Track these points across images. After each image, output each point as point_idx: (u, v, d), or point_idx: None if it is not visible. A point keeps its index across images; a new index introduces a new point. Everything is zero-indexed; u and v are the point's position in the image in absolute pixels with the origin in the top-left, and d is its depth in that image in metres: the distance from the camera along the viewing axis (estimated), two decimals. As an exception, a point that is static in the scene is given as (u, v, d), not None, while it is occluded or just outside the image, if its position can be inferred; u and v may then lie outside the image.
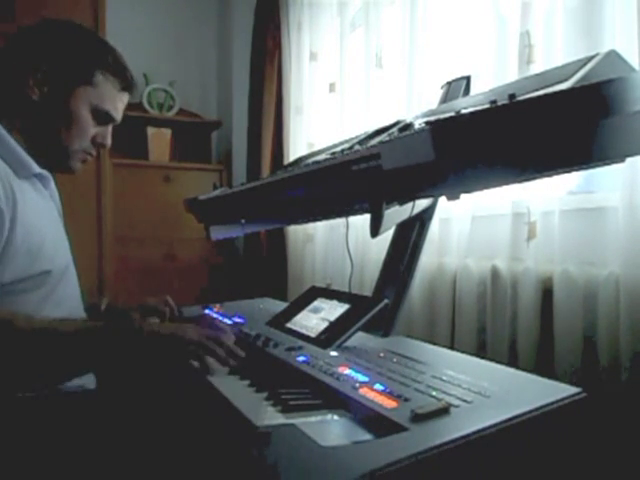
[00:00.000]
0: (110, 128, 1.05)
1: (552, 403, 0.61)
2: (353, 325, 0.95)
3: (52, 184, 1.05)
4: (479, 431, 0.54)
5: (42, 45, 0.95)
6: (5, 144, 0.92)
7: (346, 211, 1.19)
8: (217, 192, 1.36)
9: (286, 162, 2.13)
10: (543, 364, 1.11)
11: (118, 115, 1.04)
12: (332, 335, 0.94)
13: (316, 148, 1.85)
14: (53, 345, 0.81)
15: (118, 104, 1.03)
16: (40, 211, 0.96)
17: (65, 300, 0.98)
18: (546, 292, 1.14)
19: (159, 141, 2.61)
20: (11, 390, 0.83)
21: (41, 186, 1.01)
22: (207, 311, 1.37)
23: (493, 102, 0.59)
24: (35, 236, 0.89)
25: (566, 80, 0.63)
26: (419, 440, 0.53)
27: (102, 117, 1.01)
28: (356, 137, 1.10)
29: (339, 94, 1.91)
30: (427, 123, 0.61)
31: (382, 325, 1.00)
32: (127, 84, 1.03)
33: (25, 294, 0.88)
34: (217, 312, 1.34)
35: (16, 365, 0.80)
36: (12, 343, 0.79)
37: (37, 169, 0.97)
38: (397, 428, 0.56)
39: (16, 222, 0.86)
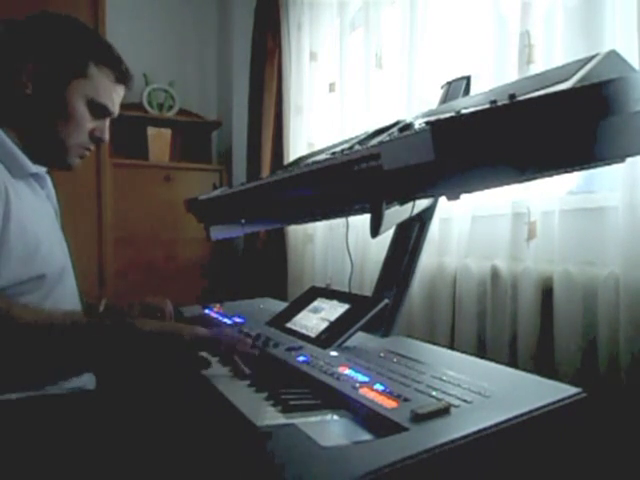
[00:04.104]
0: (108, 122, 1.03)
1: (552, 403, 0.61)
2: (353, 325, 0.95)
3: (49, 183, 1.04)
4: (479, 431, 0.54)
5: (33, 39, 0.93)
6: (0, 142, 0.90)
7: (346, 211, 1.18)
8: (217, 192, 1.36)
9: (286, 162, 2.13)
10: (543, 364, 1.11)
11: (115, 108, 1.02)
12: (332, 335, 0.94)
13: (316, 148, 1.85)
14: (50, 338, 0.76)
15: (114, 97, 1.01)
16: (36, 212, 0.94)
17: (63, 302, 0.96)
18: (546, 292, 1.14)
19: (159, 141, 2.61)
20: (7, 387, 0.81)
21: (37, 186, 0.99)
22: (207, 311, 1.37)
23: (493, 102, 0.59)
24: (31, 237, 0.87)
25: (566, 80, 0.63)
26: (419, 440, 0.52)
27: (98, 110, 0.99)
28: (356, 137, 1.10)
29: (339, 94, 1.91)
30: (427, 123, 0.61)
31: (382, 325, 1.00)
32: (122, 76, 1.01)
33: (22, 297, 0.86)
34: (217, 312, 1.34)
35: (10, 358, 0.74)
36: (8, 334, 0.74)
37: (33, 169, 0.95)
38: (397, 428, 0.56)
39: (10, 220, 0.83)
